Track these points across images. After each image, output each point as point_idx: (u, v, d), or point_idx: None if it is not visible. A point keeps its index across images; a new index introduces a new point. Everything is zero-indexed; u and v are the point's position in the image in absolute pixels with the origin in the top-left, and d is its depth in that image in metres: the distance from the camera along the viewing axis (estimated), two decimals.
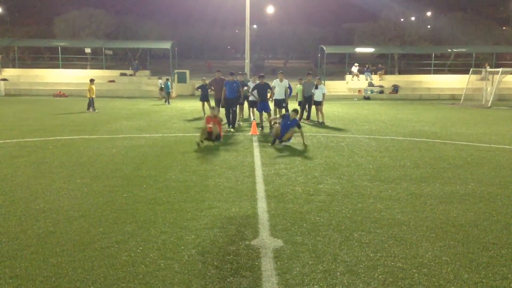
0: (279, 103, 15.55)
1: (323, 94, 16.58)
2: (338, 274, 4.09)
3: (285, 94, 15.37)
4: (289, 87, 15.97)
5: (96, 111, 19.81)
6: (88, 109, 19.91)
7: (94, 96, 20.13)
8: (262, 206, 6.13)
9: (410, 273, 4.11)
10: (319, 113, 16.37)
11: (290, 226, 5.32)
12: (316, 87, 16.47)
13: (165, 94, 25.93)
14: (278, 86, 15.32)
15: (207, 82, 19.07)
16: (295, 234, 5.07)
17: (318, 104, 16.40)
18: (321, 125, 15.76)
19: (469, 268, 4.23)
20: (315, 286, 3.85)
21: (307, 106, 17.03)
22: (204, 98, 18.51)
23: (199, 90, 19.05)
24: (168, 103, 25.22)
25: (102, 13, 48.12)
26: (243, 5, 29.19)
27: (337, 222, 5.48)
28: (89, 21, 46.24)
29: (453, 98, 30.94)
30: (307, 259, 4.41)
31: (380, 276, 4.04)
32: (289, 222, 5.46)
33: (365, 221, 5.53)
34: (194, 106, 22.62)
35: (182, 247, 4.67)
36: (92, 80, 20.70)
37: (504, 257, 4.50)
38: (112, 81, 33.47)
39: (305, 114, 17.15)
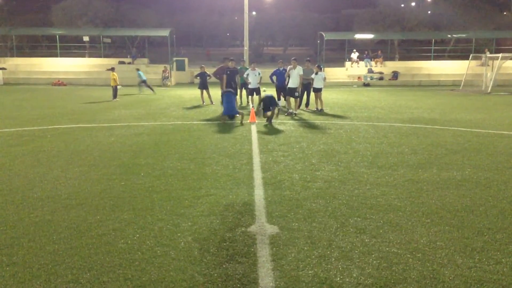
0: (292, 92, 15.17)
1: (324, 79, 16.50)
2: (333, 259, 4.12)
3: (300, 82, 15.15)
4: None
5: (117, 99, 19.81)
6: (114, 97, 19.92)
7: (114, 84, 20.14)
8: (259, 193, 6.15)
9: (404, 258, 4.14)
10: (318, 100, 16.30)
11: (286, 213, 5.35)
12: (316, 74, 16.40)
13: (142, 83, 24.40)
14: (292, 74, 14.98)
15: (206, 69, 19.02)
16: (291, 221, 5.09)
17: (318, 91, 16.33)
18: (320, 112, 15.73)
19: (463, 253, 4.26)
20: (310, 272, 3.89)
21: (305, 93, 16.97)
22: (203, 86, 18.41)
23: (198, 77, 18.96)
24: (152, 90, 24.15)
25: (100, 1, 47.75)
26: None
27: (333, 208, 5.51)
28: (86, 9, 45.91)
29: (453, 84, 30.85)
30: (302, 245, 4.44)
31: (374, 262, 4.07)
32: (285, 209, 5.49)
33: (361, 207, 5.56)
34: (193, 94, 22.57)
35: (179, 234, 4.70)
36: (112, 69, 21.09)
37: (498, 242, 4.53)
38: (111, 69, 33.35)
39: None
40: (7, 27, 38.93)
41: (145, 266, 3.98)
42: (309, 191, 6.22)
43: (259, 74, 16.17)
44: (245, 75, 16.38)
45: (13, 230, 4.82)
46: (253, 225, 4.95)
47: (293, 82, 15.01)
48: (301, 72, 15.11)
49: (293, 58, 16.08)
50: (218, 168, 7.52)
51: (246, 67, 18.00)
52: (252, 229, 4.85)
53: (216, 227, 4.91)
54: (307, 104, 16.96)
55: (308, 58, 18.16)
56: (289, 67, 15.58)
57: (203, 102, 18.32)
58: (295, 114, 14.81)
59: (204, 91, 18.34)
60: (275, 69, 16.91)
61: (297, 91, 15.09)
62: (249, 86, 16.07)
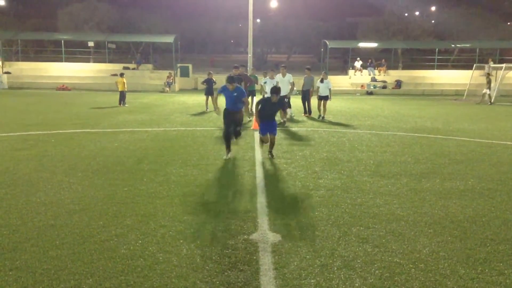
0: (281, 101, 14.90)
1: (329, 89, 16.34)
2: (335, 268, 4.12)
3: (291, 90, 15.01)
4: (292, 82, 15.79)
5: (126, 105, 19.77)
6: (119, 103, 19.89)
7: (123, 90, 20.09)
8: (261, 200, 6.16)
9: (406, 268, 4.14)
10: (322, 107, 16.18)
11: (289, 221, 5.35)
12: (322, 81, 16.30)
13: None
14: (281, 82, 14.79)
15: (213, 76, 19.02)
16: (294, 229, 5.10)
17: (323, 98, 16.18)
18: (322, 119, 15.65)
19: (466, 264, 4.25)
20: (312, 281, 3.88)
21: (306, 101, 16.88)
22: (208, 92, 18.36)
23: (204, 84, 18.91)
24: None
25: (105, 6, 48.02)
26: None
27: (336, 217, 5.50)
28: (92, 14, 46.20)
29: (456, 94, 30.82)
30: (304, 253, 4.44)
31: (377, 271, 4.07)
32: (288, 217, 5.49)
33: (364, 216, 5.55)
34: (197, 100, 22.61)
35: (181, 241, 4.70)
36: (121, 74, 21.02)
37: (501, 253, 4.52)
38: (115, 74, 33.48)
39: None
40: (13, 31, 39.14)
41: (147, 273, 3.99)
42: (311, 199, 6.23)
43: (277, 83, 15.76)
44: (262, 83, 15.95)
45: (16, 234, 4.83)
46: (256, 233, 4.96)
47: (284, 90, 14.64)
48: (291, 80, 15.03)
49: (282, 65, 15.99)
50: (221, 175, 7.53)
51: (255, 75, 17.84)
52: (254, 236, 4.85)
53: (219, 234, 4.92)
54: (309, 112, 16.88)
55: (308, 66, 18.10)
56: (277, 75, 15.38)
57: (207, 108, 18.31)
58: (284, 121, 14.23)
59: (210, 97, 18.22)
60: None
61: (287, 97, 14.85)
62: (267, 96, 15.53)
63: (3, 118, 14.60)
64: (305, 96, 16.76)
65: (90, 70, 34.79)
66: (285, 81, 14.92)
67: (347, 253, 4.45)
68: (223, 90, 9.24)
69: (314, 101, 16.80)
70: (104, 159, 8.64)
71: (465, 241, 4.81)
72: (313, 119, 16.05)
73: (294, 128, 13.66)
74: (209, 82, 18.50)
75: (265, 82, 15.76)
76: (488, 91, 24.00)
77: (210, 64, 56.32)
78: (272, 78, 15.52)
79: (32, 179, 7.12)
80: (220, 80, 25.26)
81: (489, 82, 23.92)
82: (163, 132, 12.32)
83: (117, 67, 35.28)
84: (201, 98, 19.43)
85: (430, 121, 15.67)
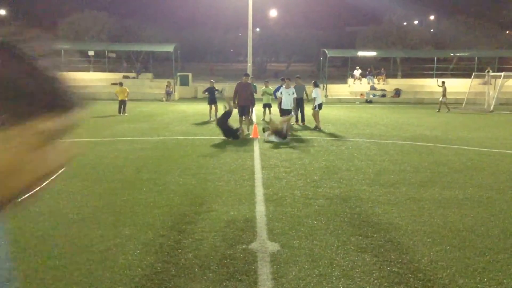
0: (285, 113, 14.44)
1: (314, 99, 15.63)
2: (334, 278, 4.11)
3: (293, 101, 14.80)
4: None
5: (126, 114, 19.80)
6: (119, 112, 19.92)
7: (125, 99, 20.16)
8: (260, 209, 6.16)
9: (405, 278, 4.13)
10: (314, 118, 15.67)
11: (287, 230, 5.35)
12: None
13: None
14: (285, 94, 14.64)
15: (215, 85, 18.88)
16: (293, 238, 5.09)
17: (314, 108, 15.68)
18: (314, 130, 15.26)
19: (465, 273, 4.24)
20: None
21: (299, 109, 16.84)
22: (212, 102, 18.03)
23: (206, 93, 18.55)
24: None
25: (106, 16, 48.41)
26: (246, 8, 29.26)
27: (335, 226, 5.50)
28: (92, 24, 46.52)
29: (455, 102, 30.88)
30: (303, 263, 4.43)
31: (375, 281, 4.06)
32: (287, 226, 5.48)
33: (363, 225, 5.55)
34: (196, 109, 22.63)
35: (179, 251, 4.69)
36: (121, 84, 21.25)
37: (500, 262, 4.51)
38: (115, 83, 33.55)
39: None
40: None
41: (145, 283, 3.98)
42: (310, 208, 6.22)
43: (293, 93, 14.90)
44: (279, 94, 15.18)
45: (14, 244, 4.82)
46: (254, 242, 4.95)
47: (287, 103, 14.58)
48: (294, 94, 14.95)
49: (284, 77, 15.74)
50: (220, 184, 7.53)
51: (254, 84, 17.73)
52: (253, 246, 4.84)
53: (217, 243, 4.91)
54: (302, 120, 16.75)
55: (298, 75, 18.11)
56: (281, 88, 15.25)
57: (210, 118, 17.81)
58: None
59: (213, 106, 17.94)
60: (278, 86, 16.92)
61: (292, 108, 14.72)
62: (282, 107, 14.73)
63: None
64: (298, 104, 16.54)
65: (90, 79, 34.90)
66: (289, 93, 14.66)
67: (346, 262, 4.44)
68: None
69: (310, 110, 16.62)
70: (104, 168, 8.64)
71: (464, 250, 4.80)
72: (309, 128, 15.96)
73: (294, 136, 13.67)
74: (211, 91, 18.19)
75: (281, 92, 15.03)
76: (444, 99, 24.17)
77: (209, 72, 56.52)
78: (288, 87, 14.87)
79: None
80: (220, 88, 25.31)
81: (444, 91, 24.16)
82: (162, 141, 12.34)
83: (117, 76, 35.40)
84: (200, 107, 19.46)
85: (429, 129, 15.69)
